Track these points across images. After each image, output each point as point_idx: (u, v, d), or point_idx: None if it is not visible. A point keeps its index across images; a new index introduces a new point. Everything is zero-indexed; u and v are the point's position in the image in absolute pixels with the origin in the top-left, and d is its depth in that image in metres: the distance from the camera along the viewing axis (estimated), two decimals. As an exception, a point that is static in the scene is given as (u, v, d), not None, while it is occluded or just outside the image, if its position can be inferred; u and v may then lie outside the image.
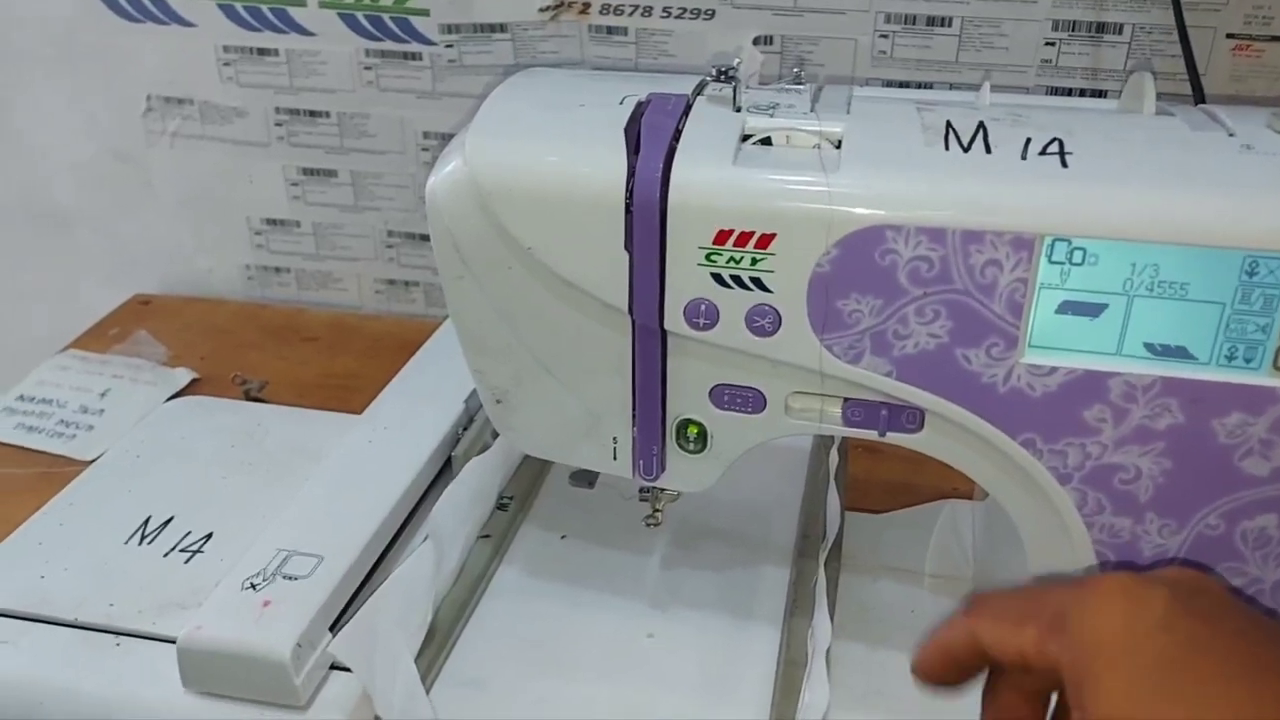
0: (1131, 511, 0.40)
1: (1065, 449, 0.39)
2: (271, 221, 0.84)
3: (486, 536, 0.52)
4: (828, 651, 0.44)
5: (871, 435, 0.42)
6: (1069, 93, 0.67)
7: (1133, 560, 0.40)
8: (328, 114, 0.78)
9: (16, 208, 0.88)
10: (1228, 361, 0.37)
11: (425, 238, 0.81)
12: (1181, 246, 0.36)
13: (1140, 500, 0.39)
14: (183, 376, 0.74)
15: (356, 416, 0.58)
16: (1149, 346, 0.37)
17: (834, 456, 0.55)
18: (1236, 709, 0.29)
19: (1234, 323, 0.36)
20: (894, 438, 0.42)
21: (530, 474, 0.56)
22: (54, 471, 0.65)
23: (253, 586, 0.44)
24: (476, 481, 0.51)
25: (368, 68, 0.76)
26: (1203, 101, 0.55)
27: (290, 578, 0.45)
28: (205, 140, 0.81)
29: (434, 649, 0.45)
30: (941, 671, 0.35)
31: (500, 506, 0.54)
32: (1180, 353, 0.37)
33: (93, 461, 0.58)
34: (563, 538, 0.54)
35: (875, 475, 0.59)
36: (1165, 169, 0.37)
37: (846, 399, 0.41)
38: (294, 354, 0.79)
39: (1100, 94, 0.66)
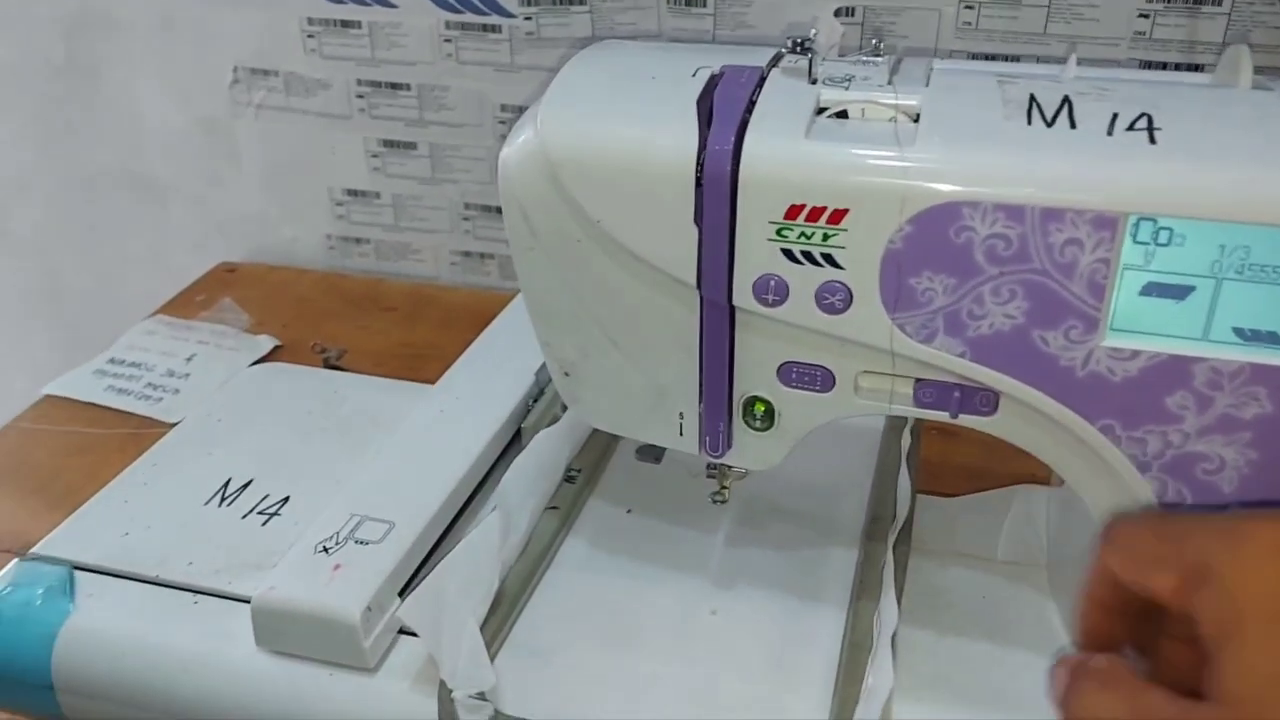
0: (1214, 503, 0.38)
1: (1145, 436, 0.38)
2: (352, 192, 0.85)
3: (554, 508, 0.52)
4: (894, 636, 0.44)
5: (943, 417, 0.41)
6: (1163, 67, 0.64)
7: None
8: (408, 86, 0.79)
9: (110, 175, 0.91)
10: (1322, 349, 0.35)
11: (500, 210, 0.81)
12: (1274, 228, 0.34)
13: (1224, 491, 0.38)
14: (265, 343, 0.75)
15: (430, 386, 0.58)
16: (1237, 331, 0.36)
17: (906, 438, 0.54)
18: None
19: (1330, 308, 0.35)
20: (966, 420, 0.41)
21: (598, 447, 0.56)
22: (141, 432, 0.67)
23: (325, 550, 0.45)
24: (545, 453, 0.51)
25: (447, 40, 0.76)
26: (1308, 75, 0.52)
27: (362, 542, 0.45)
28: (289, 112, 0.83)
29: (499, 618, 0.46)
30: (1102, 630, 0.34)
31: (568, 479, 0.54)
32: (1271, 339, 0.36)
33: (177, 424, 0.60)
34: (629, 512, 0.54)
35: (950, 458, 0.58)
36: (1259, 146, 0.35)
37: (918, 379, 0.40)
38: (372, 323, 0.80)
39: (1196, 68, 0.64)
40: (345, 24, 0.78)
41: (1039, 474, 0.53)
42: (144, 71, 0.85)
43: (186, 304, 0.82)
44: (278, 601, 0.43)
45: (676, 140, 0.38)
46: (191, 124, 0.86)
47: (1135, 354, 0.37)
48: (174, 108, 0.86)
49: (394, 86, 0.79)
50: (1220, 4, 0.62)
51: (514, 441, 0.55)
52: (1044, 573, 0.49)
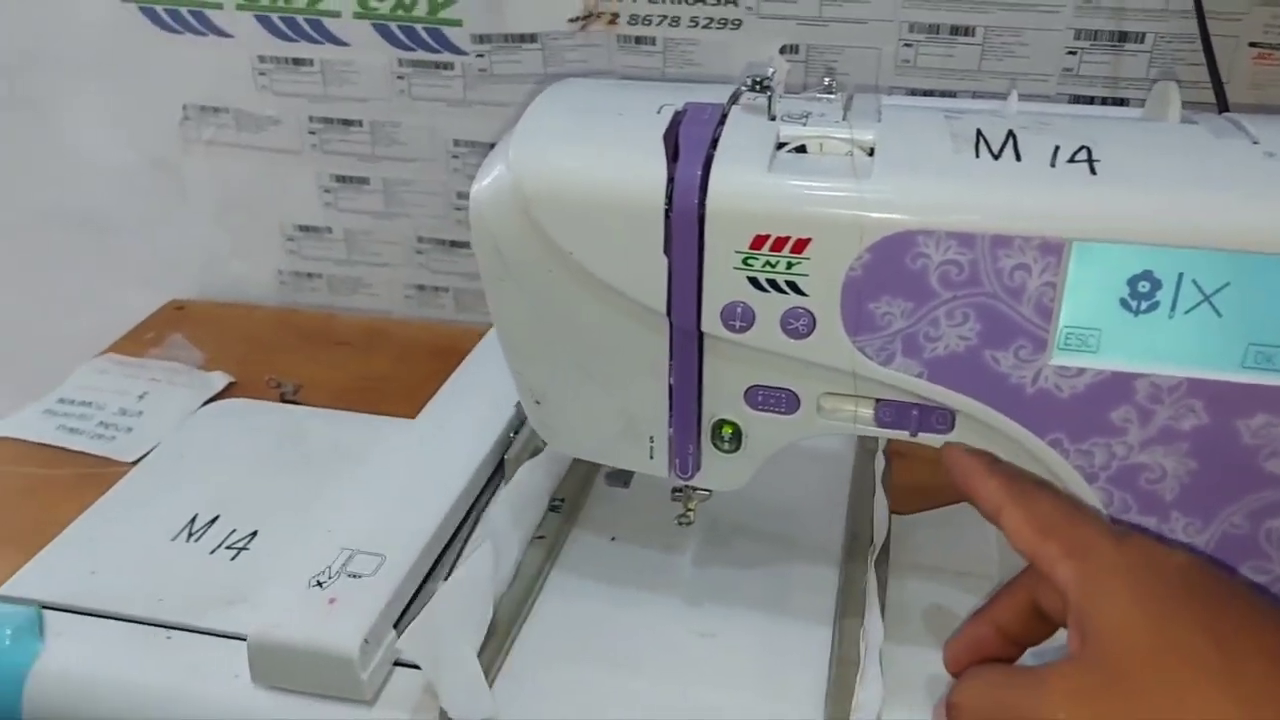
0: (1157, 510, 0.40)
1: (1092, 449, 0.40)
2: (304, 228, 0.85)
3: (540, 538, 0.53)
4: (880, 650, 0.46)
5: (903, 436, 0.43)
6: (1090, 101, 0.68)
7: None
8: (360, 122, 0.80)
9: (56, 212, 0.90)
10: (1254, 364, 0.38)
11: (455, 244, 0.83)
12: (1208, 251, 0.37)
13: (1165, 500, 0.40)
14: (219, 380, 0.75)
15: (393, 419, 0.59)
16: (1176, 349, 0.38)
17: (880, 460, 0.56)
18: (1236, 655, 0.32)
19: (1260, 325, 0.37)
20: (925, 438, 0.43)
21: (579, 476, 0.57)
22: (95, 472, 0.66)
23: (319, 584, 0.45)
24: (529, 484, 0.52)
25: (400, 77, 0.77)
26: (1226, 110, 0.56)
27: (355, 575, 0.46)
28: (240, 148, 0.83)
29: (494, 647, 0.46)
30: (964, 492, 0.40)
31: (552, 508, 0.55)
32: (1207, 355, 0.38)
33: (135, 463, 0.59)
34: (613, 539, 0.55)
35: (902, 478, 0.60)
36: (1192, 175, 0.38)
37: (879, 400, 0.42)
38: (327, 358, 0.80)
39: (1122, 102, 0.67)
40: (297, 61, 0.78)
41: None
42: (92, 109, 0.85)
43: (136, 341, 0.82)
44: (276, 637, 0.43)
45: (646, 174, 0.40)
46: (140, 161, 0.86)
47: (1081, 371, 0.39)
48: (122, 145, 0.86)
49: (346, 123, 0.80)
50: (1142, 42, 0.65)
51: (497, 472, 0.55)
52: (997, 584, 0.51)
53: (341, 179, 0.82)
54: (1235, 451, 0.39)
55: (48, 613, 0.48)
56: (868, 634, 0.46)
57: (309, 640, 0.43)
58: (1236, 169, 0.38)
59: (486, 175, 0.42)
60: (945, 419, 0.42)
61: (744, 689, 0.46)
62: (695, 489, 0.49)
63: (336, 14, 0.76)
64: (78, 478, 0.67)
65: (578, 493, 0.57)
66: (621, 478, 0.51)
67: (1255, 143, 0.39)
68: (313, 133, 0.81)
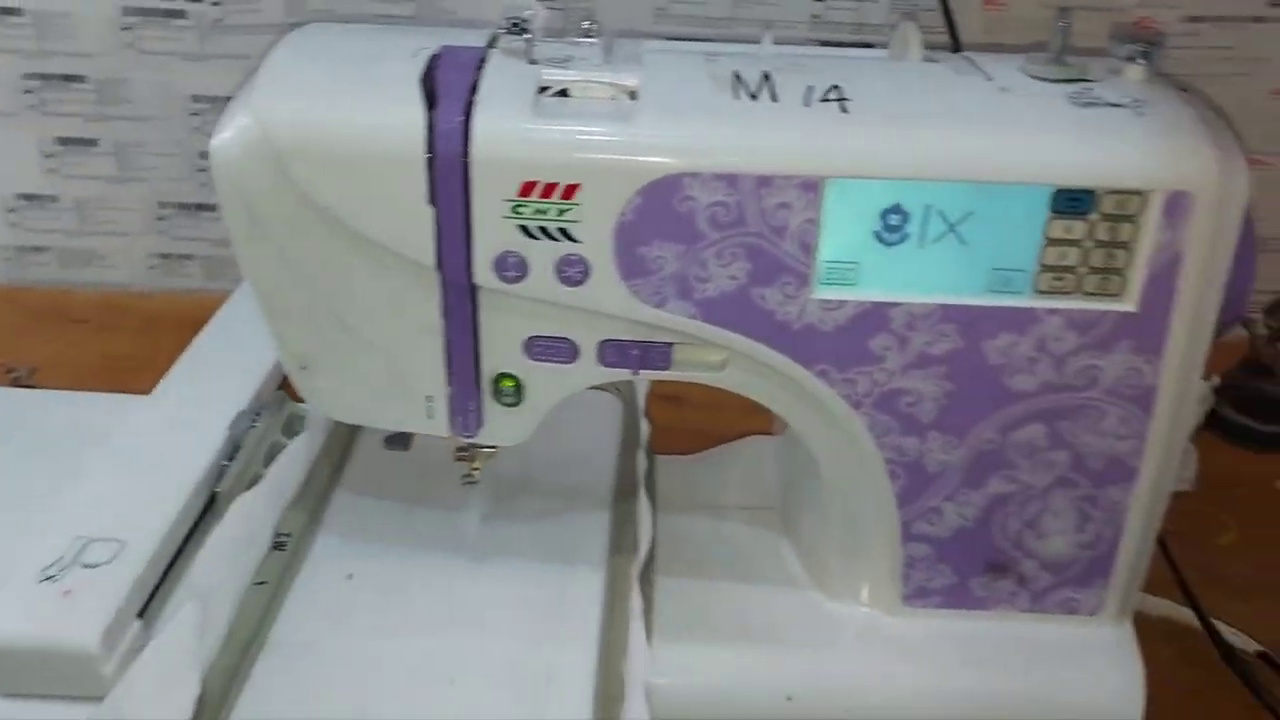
0: (916, 431, 0.43)
1: (855, 377, 0.42)
2: (26, 197, 0.77)
3: (262, 583, 0.46)
4: (651, 586, 0.46)
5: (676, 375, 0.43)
6: (838, 46, 0.70)
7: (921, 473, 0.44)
8: (83, 79, 0.73)
9: None
10: (996, 287, 0.40)
11: (200, 207, 0.77)
12: (950, 183, 0.39)
13: (924, 421, 0.43)
14: (-63, 370, 0.68)
15: (140, 397, 0.55)
16: (927, 278, 0.40)
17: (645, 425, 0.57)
18: None
19: (1000, 251, 0.40)
20: (700, 376, 0.43)
21: (310, 503, 0.51)
22: None
23: (50, 578, 0.41)
24: (247, 521, 0.47)
25: (126, 28, 0.71)
26: (959, 51, 0.59)
27: (90, 565, 0.42)
28: (-57, 110, 0.74)
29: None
30: None
31: (277, 546, 0.48)
32: (955, 282, 0.40)
33: None
34: (349, 577, 0.48)
35: (679, 422, 0.61)
36: (934, 112, 0.40)
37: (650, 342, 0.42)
38: (63, 337, 0.74)
39: (866, 46, 0.70)
40: (5, 12, 0.70)
41: (759, 427, 0.58)
42: None
43: None
44: (4, 639, 0.39)
45: (404, 122, 0.38)
46: None
47: (842, 303, 0.41)
48: None
49: (67, 79, 0.73)
50: (876, -11, 0.69)
51: (209, 508, 0.49)
52: (776, 514, 0.53)
53: (65, 141, 0.75)
54: (984, 371, 0.42)
55: None
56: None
57: (43, 639, 0.40)
58: (974, 105, 0.40)
59: (227, 128, 0.39)
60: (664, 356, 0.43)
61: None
62: (480, 447, 0.48)
63: (46, -43, 0.69)
64: None
65: (307, 525, 0.50)
66: (401, 440, 0.49)
67: (990, 79, 0.42)
68: (29, 92, 0.73)
